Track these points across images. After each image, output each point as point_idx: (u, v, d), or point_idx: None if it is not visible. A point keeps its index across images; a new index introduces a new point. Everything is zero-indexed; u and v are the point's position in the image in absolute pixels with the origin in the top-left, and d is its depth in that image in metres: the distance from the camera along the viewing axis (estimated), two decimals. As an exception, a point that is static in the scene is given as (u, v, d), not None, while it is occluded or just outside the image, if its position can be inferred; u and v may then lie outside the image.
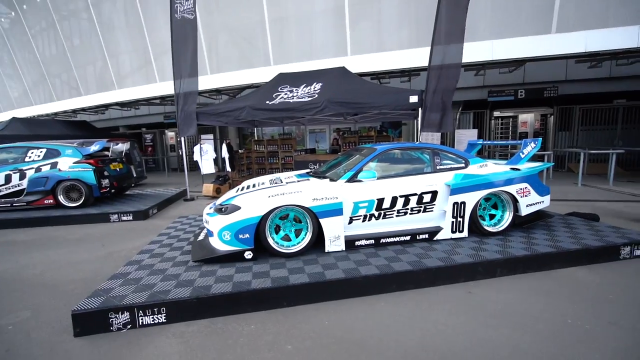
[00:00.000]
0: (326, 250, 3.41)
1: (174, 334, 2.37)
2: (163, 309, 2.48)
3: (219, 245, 3.28)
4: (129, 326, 2.44)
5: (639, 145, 9.58)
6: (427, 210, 3.70)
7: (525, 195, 3.82)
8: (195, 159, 9.05)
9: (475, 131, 10.09)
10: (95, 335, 2.37)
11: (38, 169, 6.03)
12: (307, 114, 6.83)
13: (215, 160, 11.32)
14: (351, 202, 3.47)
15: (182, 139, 7.66)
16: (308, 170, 4.71)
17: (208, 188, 8.08)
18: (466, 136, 9.65)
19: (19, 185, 6.00)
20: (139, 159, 10.56)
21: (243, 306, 2.62)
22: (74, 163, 6.11)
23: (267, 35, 9.65)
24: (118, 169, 6.99)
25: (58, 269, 3.66)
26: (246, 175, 10.10)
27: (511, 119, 12.23)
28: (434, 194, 3.67)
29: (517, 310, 2.55)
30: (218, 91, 11.25)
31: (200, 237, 3.86)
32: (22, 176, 6.00)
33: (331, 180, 3.60)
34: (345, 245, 3.46)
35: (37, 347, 2.26)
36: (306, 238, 3.40)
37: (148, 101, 12.69)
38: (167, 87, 10.77)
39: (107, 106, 13.72)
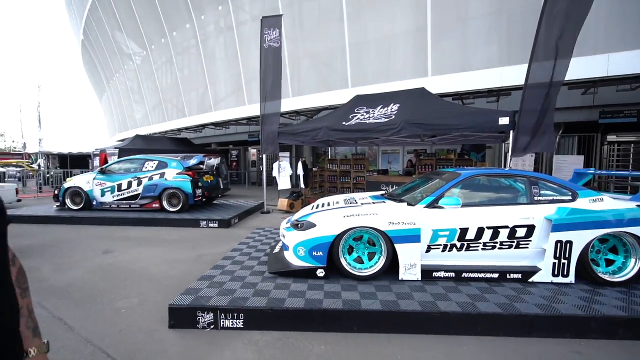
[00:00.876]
0: (400, 278, 3.24)
1: (249, 341, 2.49)
2: (241, 315, 2.64)
3: (293, 259, 3.39)
4: (212, 326, 2.66)
5: None
6: (520, 246, 3.24)
7: (659, 240, 3.06)
8: (273, 175, 9.70)
9: (581, 157, 8.63)
10: (185, 330, 2.64)
11: (150, 178, 7.21)
12: (383, 135, 6.79)
13: (291, 177, 11.98)
14: (430, 229, 3.26)
15: (264, 156, 8.33)
16: (383, 192, 4.62)
17: (283, 202, 8.54)
18: (568, 163, 8.33)
19: (136, 190, 7.25)
20: (225, 173, 11.78)
21: (314, 324, 2.63)
22: (177, 174, 7.15)
23: (346, 59, 10.05)
24: (209, 181, 7.92)
25: (159, 264, 4.25)
26: (318, 193, 10.39)
27: (632, 145, 10.13)
28: (530, 228, 3.21)
29: (652, 387, 2.00)
30: (297, 112, 12.02)
31: (276, 250, 4.06)
32: (139, 183, 7.24)
33: (409, 204, 3.45)
34: (421, 274, 3.24)
35: (140, 333, 2.62)
36: (379, 262, 3.29)
37: (237, 121, 14.25)
38: (253, 109, 11.96)
39: (204, 126, 15.85)
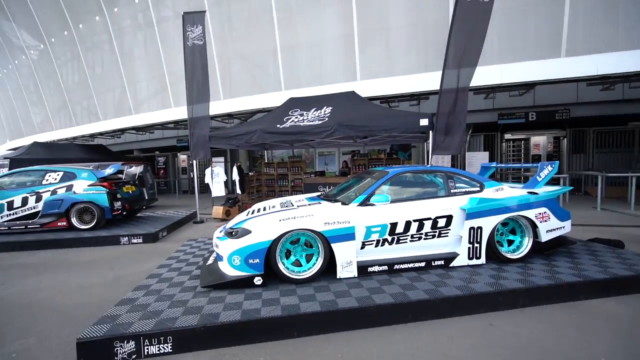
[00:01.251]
0: (338, 277, 3.31)
1: (179, 366, 2.27)
2: (170, 338, 2.39)
3: (229, 270, 3.21)
4: (134, 356, 2.35)
5: (659, 167, 9.29)
6: (442, 235, 3.58)
7: (545, 220, 3.68)
8: (206, 182, 9.14)
9: (487, 154, 9.98)
10: (100, 366, 2.28)
11: (54, 192, 6.16)
12: (318, 137, 6.90)
13: (225, 183, 11.43)
14: (363, 226, 3.39)
15: (194, 162, 7.79)
16: (319, 193, 4.68)
17: (218, 210, 8.09)
18: (477, 159, 9.55)
19: (34, 208, 6.12)
20: (151, 182, 10.73)
21: (252, 336, 2.51)
22: (88, 186, 6.23)
23: (278, 62, 10.00)
24: (130, 192, 7.10)
25: (67, 293, 3.63)
26: (256, 197, 10.11)
27: (523, 142, 12.11)
28: (449, 218, 3.57)
29: (545, 346, 2.37)
30: (230, 115, 11.54)
31: (210, 262, 3.80)
32: (39, 199, 6.13)
33: (343, 203, 3.55)
34: (357, 271, 3.35)
35: (40, 377, 2.19)
36: (317, 263, 3.31)
37: (162, 125, 13.09)
38: (181, 112, 11.11)
39: (123, 130, 14.20)
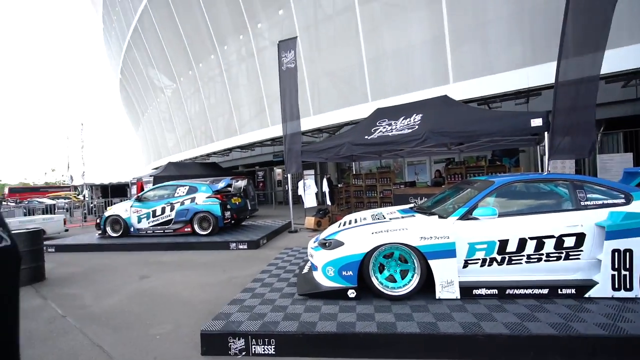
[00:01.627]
0: (437, 297, 3.03)
1: (282, 369, 2.40)
2: (273, 341, 2.57)
3: (323, 280, 3.29)
4: (243, 352, 2.60)
5: None
6: (570, 257, 2.94)
7: None
8: (299, 193, 9.74)
9: (630, 155, 7.90)
10: (218, 357, 2.60)
11: (182, 203, 7.49)
12: (407, 146, 6.63)
13: (316, 194, 11.96)
14: (466, 242, 3.05)
15: (289, 175, 8.41)
16: (411, 205, 4.44)
17: (310, 221, 8.49)
18: (615, 162, 7.65)
19: (169, 216, 7.54)
20: (253, 194, 12.04)
21: (347, 350, 2.49)
22: (206, 198, 7.37)
23: (364, 74, 10.10)
24: (237, 203, 8.08)
25: (191, 288, 4.30)
26: (345, 209, 10.26)
27: (688, 137, 9.16)
28: (580, 236, 2.91)
29: None
30: (319, 130, 12.14)
31: (305, 270, 3.98)
32: (172, 208, 7.53)
33: (440, 217, 3.28)
34: (460, 292, 3.01)
35: None
36: (413, 280, 3.11)
37: (261, 143, 14.64)
38: (276, 130, 12.25)
39: (230, 149, 16.43)
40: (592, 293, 2.85)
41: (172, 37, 16.78)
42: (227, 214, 7.45)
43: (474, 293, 3.02)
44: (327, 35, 10.97)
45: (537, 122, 5.18)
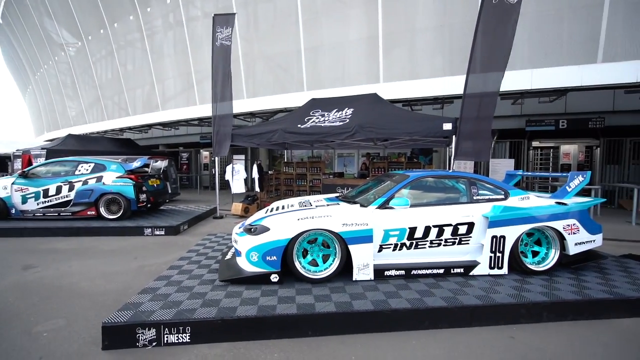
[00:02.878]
0: (354, 279, 3.29)
1: (197, 356, 2.33)
2: (188, 329, 2.46)
3: (246, 266, 3.27)
4: (154, 343, 2.44)
5: (703, 182, 8.62)
6: (462, 242, 3.49)
7: (574, 233, 3.51)
8: (226, 178, 9.34)
9: (512, 161, 9.60)
10: (122, 350, 2.38)
11: (85, 182, 6.49)
12: (338, 138, 6.89)
13: (245, 180, 11.62)
14: (382, 229, 3.36)
15: (216, 158, 7.98)
16: (337, 194, 4.67)
17: (237, 207, 8.25)
18: (502, 166, 9.22)
19: (67, 197, 6.47)
20: (174, 176, 11.06)
21: (267, 332, 2.55)
22: (117, 177, 6.52)
23: (302, 62, 10.08)
24: (155, 185, 7.36)
25: (93, 279, 3.81)
26: (274, 196, 10.23)
27: (552, 150, 11.59)
28: (470, 225, 3.47)
29: (570, 363, 2.26)
30: (252, 114, 11.75)
31: (228, 256, 3.88)
32: (71, 188, 6.47)
33: (362, 205, 3.53)
34: (374, 274, 3.32)
35: (65, 358, 2.31)
36: (334, 264, 3.31)
37: (187, 122, 13.51)
38: (205, 110, 11.43)
39: (150, 126, 14.76)
40: (475, 272, 3.44)
41: (78, -15, 14.12)
42: (143, 196, 6.74)
43: (385, 274, 3.36)
44: (266, 17, 10.58)
45: (447, 126, 5.91)
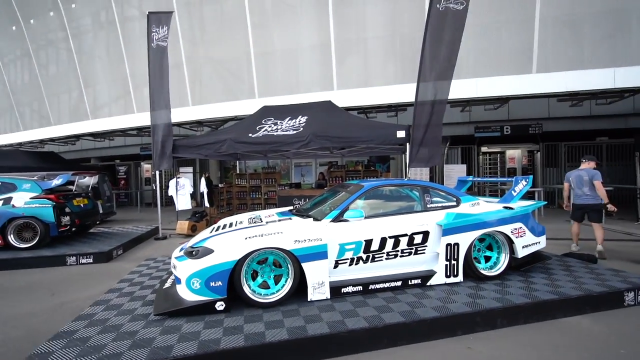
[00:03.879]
0: (309, 299, 3.18)
1: (121, 411, 2.04)
2: (111, 378, 2.16)
3: (187, 294, 3.00)
4: (66, 401, 2.09)
5: (623, 182, 9.98)
6: (418, 252, 3.57)
7: (521, 236, 3.77)
8: (169, 194, 8.76)
9: (464, 166, 10.33)
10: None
11: (-11, 205, 5.63)
12: (292, 148, 6.82)
13: (194, 195, 11.02)
14: (337, 243, 3.31)
15: (157, 172, 7.45)
16: (291, 207, 4.57)
17: (183, 226, 7.74)
18: (455, 171, 9.84)
19: (-37, 224, 5.55)
20: (108, 193, 10.16)
21: (209, 371, 2.33)
22: (30, 199, 5.75)
23: (252, 68, 9.93)
24: (82, 205, 6.64)
25: (-7, 324, 3.24)
26: (226, 211, 9.80)
27: (499, 155, 12.67)
28: (426, 234, 3.57)
29: (523, 369, 2.36)
30: (199, 123, 11.26)
31: (167, 285, 3.56)
32: (-31, 213, 5.57)
33: (315, 219, 3.46)
34: (330, 292, 3.24)
35: None
36: (286, 285, 3.17)
37: (124, 132, 12.54)
38: (144, 118, 10.68)
39: (78, 137, 13.46)
40: (432, 281, 3.53)
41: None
42: (66, 219, 6.00)
43: (342, 292, 3.30)
44: (213, 18, 10.30)
45: (401, 133, 6.15)
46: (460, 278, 3.58)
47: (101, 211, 7.71)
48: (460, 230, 3.55)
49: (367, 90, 9.11)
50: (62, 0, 11.76)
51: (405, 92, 8.53)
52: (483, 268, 3.71)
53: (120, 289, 3.74)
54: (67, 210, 6.09)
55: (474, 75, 8.12)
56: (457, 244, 3.53)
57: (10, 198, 5.72)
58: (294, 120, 6.97)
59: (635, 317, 3.13)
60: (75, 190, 6.92)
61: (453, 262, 3.55)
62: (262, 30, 9.73)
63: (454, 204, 3.84)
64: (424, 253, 3.58)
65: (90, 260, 5.45)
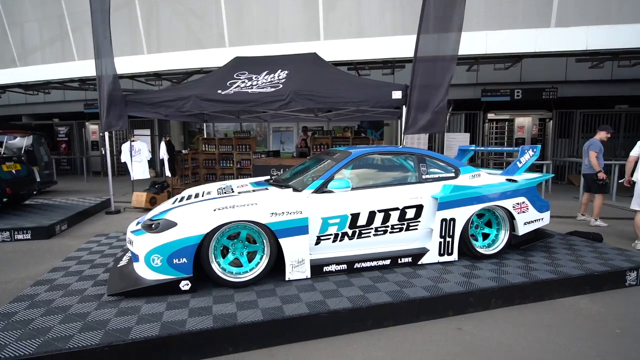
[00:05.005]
0: (287, 278, 3.29)
1: (74, 397, 2.12)
2: (60, 363, 2.22)
3: (146, 273, 3.05)
4: (8, 388, 2.15)
5: (641, 156, 10.47)
6: (410, 228, 3.71)
7: (523, 212, 3.96)
8: (123, 160, 8.58)
9: (467, 135, 10.52)
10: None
11: None
12: (269, 108, 6.75)
13: (152, 163, 10.83)
14: (319, 217, 3.39)
15: (106, 134, 7.23)
16: (268, 177, 4.59)
17: (139, 198, 7.67)
18: (457, 141, 10.02)
19: None
20: (46, 159, 9.86)
21: (173, 353, 2.42)
22: (-51, 162, 5.53)
23: (221, 10, 9.50)
24: (14, 171, 6.44)
25: None
26: (191, 182, 9.73)
27: (507, 123, 12.93)
28: (419, 208, 3.70)
29: (514, 350, 2.58)
30: (157, 75, 10.86)
31: (123, 262, 3.59)
32: None
33: (295, 190, 3.51)
34: (311, 271, 3.36)
35: None
36: (261, 263, 3.26)
37: (63, 84, 11.96)
38: (89, 67, 10.19)
39: (4, 88, 12.74)
40: (424, 260, 3.70)
41: None
42: (-5, 188, 5.84)
43: (324, 270, 3.43)
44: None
45: (397, 94, 6.15)
46: (454, 256, 3.77)
47: (39, 179, 7.50)
48: (458, 204, 3.69)
49: (360, 42, 8.95)
50: None
51: (405, 46, 8.44)
52: (480, 246, 3.91)
53: (67, 267, 3.74)
54: (-4, 177, 5.90)
55: (484, 27, 8.08)
56: (453, 220, 3.69)
57: None
58: (272, 75, 6.84)
59: (636, 296, 3.43)
60: (4, 154, 6.67)
61: (448, 239, 3.72)
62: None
63: (453, 175, 3.96)
64: (416, 229, 3.73)
65: (28, 236, 5.39)
